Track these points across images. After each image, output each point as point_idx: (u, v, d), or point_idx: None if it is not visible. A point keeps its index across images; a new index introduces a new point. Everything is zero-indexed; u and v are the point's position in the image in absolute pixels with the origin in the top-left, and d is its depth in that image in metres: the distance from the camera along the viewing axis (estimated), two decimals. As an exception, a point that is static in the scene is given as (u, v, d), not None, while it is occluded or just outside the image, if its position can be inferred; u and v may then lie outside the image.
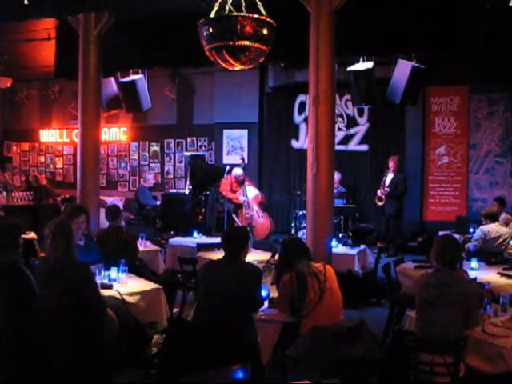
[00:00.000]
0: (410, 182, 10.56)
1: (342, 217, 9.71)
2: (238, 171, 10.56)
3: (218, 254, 5.68)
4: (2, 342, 4.11)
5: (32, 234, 8.27)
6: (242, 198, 10.37)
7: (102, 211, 8.06)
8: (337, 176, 10.61)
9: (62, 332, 4.06)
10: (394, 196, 10.12)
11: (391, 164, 10.27)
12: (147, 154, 13.95)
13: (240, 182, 10.53)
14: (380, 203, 10.29)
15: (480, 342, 4.00)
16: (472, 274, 5.67)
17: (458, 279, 4.19)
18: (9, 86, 13.17)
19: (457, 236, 6.92)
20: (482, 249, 7.24)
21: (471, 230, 8.66)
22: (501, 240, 7.26)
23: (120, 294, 4.89)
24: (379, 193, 10.25)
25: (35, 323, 4.12)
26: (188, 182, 11.84)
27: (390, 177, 10.28)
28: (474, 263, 6.31)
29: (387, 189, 10.16)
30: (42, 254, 6.42)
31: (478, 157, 11.11)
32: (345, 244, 8.18)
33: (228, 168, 10.91)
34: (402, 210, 10.38)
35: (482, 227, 7.43)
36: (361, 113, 11.78)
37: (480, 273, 6.06)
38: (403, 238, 10.48)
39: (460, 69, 10.01)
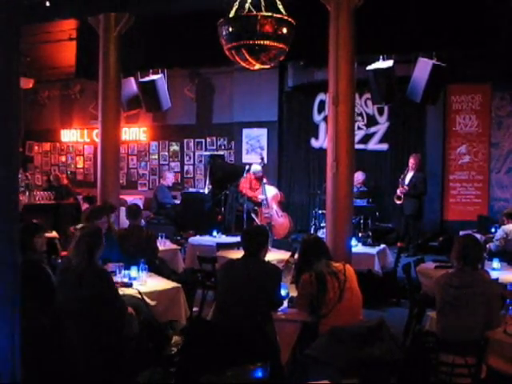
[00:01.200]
0: (430, 181, 10.47)
1: (361, 216, 9.67)
2: (256, 167, 10.58)
3: (238, 253, 5.69)
4: (25, 341, 4.16)
5: (53, 233, 8.36)
6: (260, 197, 10.38)
7: (123, 210, 8.13)
8: (361, 176, 10.60)
9: (82, 332, 4.10)
10: (412, 195, 10.04)
11: (411, 162, 10.18)
12: (167, 154, 14.01)
13: (259, 179, 10.53)
14: (398, 202, 10.21)
15: (502, 343, 3.95)
16: (494, 275, 5.61)
17: (480, 279, 4.14)
18: (31, 86, 13.32)
19: (478, 236, 6.83)
20: (503, 249, 7.16)
21: (493, 229, 8.56)
22: (523, 240, 7.17)
23: (140, 292, 4.92)
24: (398, 191, 10.19)
25: (56, 322, 4.17)
26: (208, 182, 11.87)
27: (409, 175, 10.20)
28: (495, 263, 6.25)
29: (406, 187, 10.09)
30: (63, 253, 6.49)
31: (500, 155, 10.97)
32: (365, 243, 8.15)
33: (247, 167, 10.92)
34: (422, 210, 10.29)
35: (503, 227, 7.34)
36: (381, 112, 11.71)
37: (502, 273, 5.99)
38: (423, 238, 10.40)
39: (482, 66, 9.91)
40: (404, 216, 10.28)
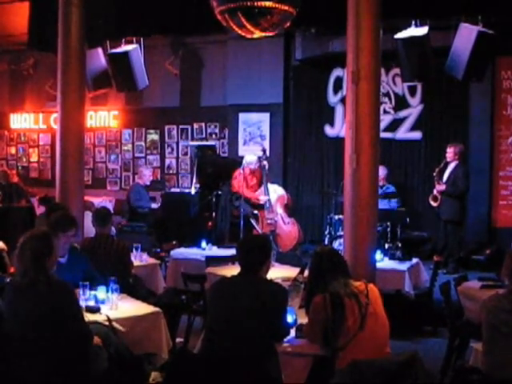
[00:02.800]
0: (475, 178, 10.46)
1: (388, 223, 9.68)
2: (250, 158, 10.56)
3: (233, 270, 5.69)
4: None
5: (1, 244, 8.34)
6: (263, 198, 10.36)
7: (88, 216, 8.12)
8: (382, 171, 10.56)
9: (39, 365, 4.10)
10: (452, 194, 10.03)
11: (450, 152, 10.17)
12: (143, 144, 14.01)
13: (255, 173, 10.51)
14: (435, 204, 10.21)
15: None
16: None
17: (538, 302, 4.15)
18: (-29, 59, 13.34)
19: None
20: None
21: (554, 239, 8.59)
22: None
23: (109, 319, 4.92)
24: (435, 190, 10.18)
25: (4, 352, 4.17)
26: (194, 180, 11.87)
27: (448, 170, 10.20)
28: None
29: (443, 185, 10.08)
30: (12, 269, 6.49)
31: None
32: (392, 257, 8.16)
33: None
34: (464, 214, 10.27)
35: None
36: (413, 91, 11.71)
37: None
38: (466, 250, 10.40)
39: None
40: (441, 222, 10.28)
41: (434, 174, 10.23)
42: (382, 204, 9.96)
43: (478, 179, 10.79)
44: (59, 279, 4.49)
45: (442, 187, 10.09)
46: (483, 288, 6.23)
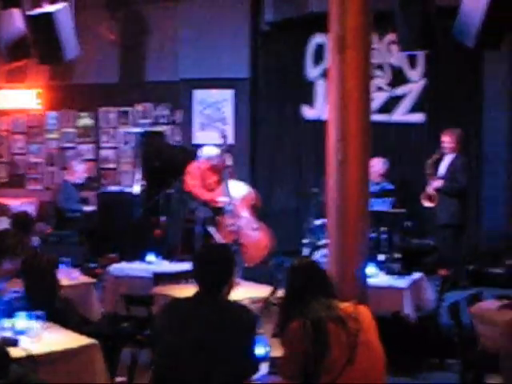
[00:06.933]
0: (489, 172, 10.55)
1: (384, 228, 9.72)
2: (210, 151, 10.55)
3: (187, 290, 5.68)
4: None
5: None
6: (223, 200, 10.35)
7: (3, 222, 8.07)
8: (381, 165, 10.66)
9: None
10: (450, 192, 10.10)
11: (448, 142, 10.20)
12: (74, 131, 13.93)
13: (217, 170, 10.51)
14: (430, 204, 10.24)
15: None
16: None
17: None
18: None
19: None
20: None
21: None
22: None
23: (31, 354, 4.87)
24: (429, 188, 10.25)
25: None
26: (138, 176, 11.83)
27: (445, 162, 10.26)
28: None
29: (440, 180, 10.13)
30: None
31: None
32: (389, 272, 8.21)
33: (200, 152, 10.89)
34: (466, 216, 10.30)
35: None
36: (413, 62, 11.78)
37: None
38: (480, 261, 10.47)
39: None
40: (438, 228, 10.31)
41: (428, 168, 10.26)
42: (376, 204, 9.99)
43: (494, 174, 10.87)
44: None
45: (439, 183, 10.13)
46: (502, 309, 6.28)
